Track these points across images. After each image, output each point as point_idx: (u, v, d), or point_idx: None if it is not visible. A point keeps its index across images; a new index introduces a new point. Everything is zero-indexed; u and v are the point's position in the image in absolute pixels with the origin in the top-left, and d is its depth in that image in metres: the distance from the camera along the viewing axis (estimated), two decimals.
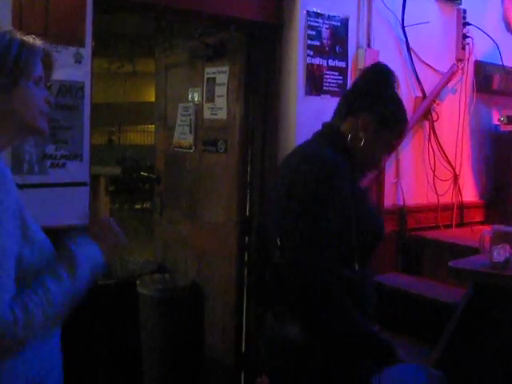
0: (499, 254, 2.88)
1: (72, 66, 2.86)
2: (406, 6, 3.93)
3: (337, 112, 2.01)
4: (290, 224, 1.77)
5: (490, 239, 2.94)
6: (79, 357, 2.93)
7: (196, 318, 3.81)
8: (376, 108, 1.91)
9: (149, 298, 3.65)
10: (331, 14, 3.64)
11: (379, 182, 3.83)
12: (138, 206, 11.11)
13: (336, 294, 1.73)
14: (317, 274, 1.70)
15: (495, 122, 4.63)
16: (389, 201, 3.95)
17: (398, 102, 1.99)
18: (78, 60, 2.89)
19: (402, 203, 4.00)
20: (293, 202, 1.78)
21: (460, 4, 4.31)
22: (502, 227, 2.91)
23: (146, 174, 10.23)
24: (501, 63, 4.44)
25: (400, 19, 3.95)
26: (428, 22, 4.02)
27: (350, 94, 2.03)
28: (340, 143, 1.91)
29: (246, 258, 3.70)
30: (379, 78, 1.97)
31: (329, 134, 1.96)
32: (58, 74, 2.83)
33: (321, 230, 1.73)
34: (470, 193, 4.53)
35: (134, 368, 3.69)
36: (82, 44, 2.88)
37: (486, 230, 3.11)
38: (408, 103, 4.05)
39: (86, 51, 2.91)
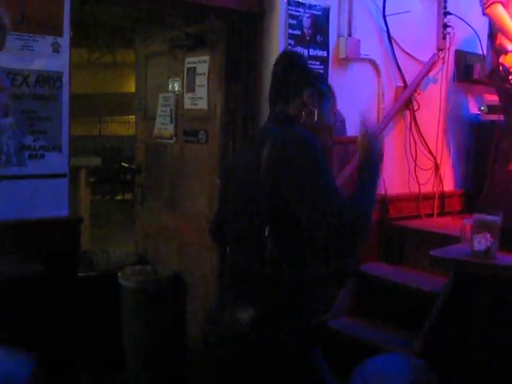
0: (480, 242, 2.89)
1: (50, 56, 2.83)
2: None
3: (275, 103, 2.06)
4: (299, 196, 1.75)
5: (471, 228, 2.95)
6: (60, 348, 2.91)
7: (177, 309, 3.79)
8: (312, 81, 2.04)
9: (130, 289, 3.63)
10: (312, 3, 3.62)
11: None
12: (119, 197, 11.05)
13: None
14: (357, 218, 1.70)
15: (476, 111, 4.64)
16: None
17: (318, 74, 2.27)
18: (56, 49, 2.85)
19: (383, 193, 4.00)
20: (291, 178, 1.77)
21: None
22: (483, 216, 2.92)
23: (126, 165, 10.18)
24: (481, 53, 4.45)
25: (381, 8, 3.94)
26: (409, 12, 4.02)
27: (280, 82, 2.07)
28: (298, 124, 1.98)
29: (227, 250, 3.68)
30: (300, 59, 2.13)
31: (285, 120, 2.00)
32: (36, 64, 2.80)
33: (329, 183, 1.76)
34: (451, 182, 4.54)
35: (116, 360, 3.68)
36: (59, 33, 2.84)
37: (467, 219, 3.12)
38: (389, 92, 4.06)
39: (64, 40, 2.87)
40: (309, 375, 1.89)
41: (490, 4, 3.71)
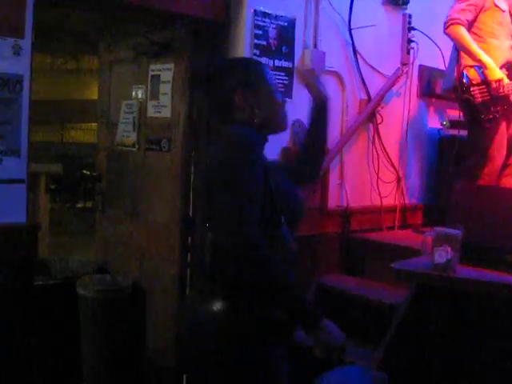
0: (441, 255, 2.91)
1: (10, 58, 2.76)
2: (353, 8, 3.95)
3: (218, 113, 2.04)
4: (215, 202, 1.79)
5: (432, 241, 2.96)
6: (16, 359, 2.83)
7: (137, 319, 3.73)
8: (237, 80, 1.98)
9: (88, 298, 3.56)
10: (278, 13, 3.63)
11: (324, 183, 3.83)
12: (80, 205, 10.89)
13: (267, 254, 1.74)
14: (247, 235, 1.71)
15: (438, 125, 4.70)
16: (333, 202, 3.95)
17: (244, 60, 2.28)
18: (17, 52, 2.79)
19: (345, 205, 4.02)
20: (214, 183, 1.81)
21: (406, 9, 4.37)
22: (444, 229, 2.94)
23: (88, 173, 10.04)
24: (444, 68, 4.51)
25: (347, 21, 3.97)
26: (374, 26, 4.05)
27: (215, 97, 2.05)
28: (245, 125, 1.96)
29: (188, 259, 3.65)
30: (221, 64, 2.18)
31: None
32: None
33: (243, 195, 1.75)
34: (412, 195, 4.58)
35: (74, 370, 3.60)
36: (21, 35, 2.78)
37: (428, 231, 3.14)
38: (353, 105, 4.08)
39: (26, 43, 2.81)
40: (264, 372, 1.86)
41: (450, 25, 3.77)
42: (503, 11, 3.90)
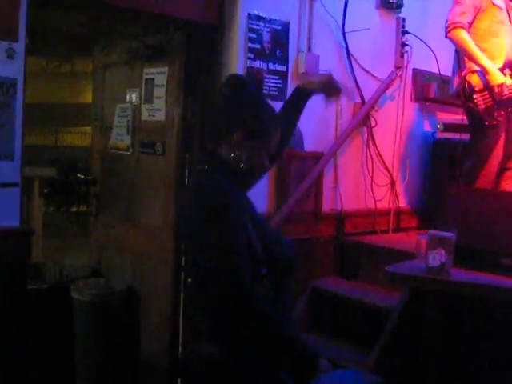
0: (435, 258, 2.91)
1: (3, 61, 2.76)
2: (347, 12, 3.95)
3: (209, 136, 2.00)
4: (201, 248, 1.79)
5: (426, 244, 2.96)
6: (10, 362, 2.82)
7: (131, 323, 3.72)
8: (244, 122, 1.90)
9: (83, 303, 3.55)
10: (272, 17, 3.63)
11: (318, 186, 3.84)
12: (74, 209, 10.85)
13: (259, 300, 1.72)
14: (236, 281, 1.69)
15: (432, 129, 4.71)
16: (327, 206, 3.96)
17: (262, 108, 1.97)
18: (11, 55, 2.78)
19: (340, 208, 4.02)
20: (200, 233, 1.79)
21: (400, 12, 4.38)
22: (438, 232, 2.94)
23: (82, 176, 10.01)
24: (438, 72, 4.53)
25: (341, 25, 3.98)
26: (368, 29, 4.06)
27: (216, 116, 2.01)
28: (225, 168, 1.90)
29: (182, 263, 3.64)
30: (236, 92, 1.96)
31: (213, 163, 1.93)
32: None
33: (229, 245, 1.73)
34: (406, 198, 4.59)
35: (68, 374, 3.59)
36: (14, 39, 2.78)
37: (422, 235, 3.14)
38: (347, 109, 4.09)
39: (20, 46, 2.81)
40: None
41: (452, 29, 3.75)
42: (501, 9, 3.89)
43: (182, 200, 2.08)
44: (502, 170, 3.92)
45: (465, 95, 3.79)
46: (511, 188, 3.91)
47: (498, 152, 3.85)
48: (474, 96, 3.75)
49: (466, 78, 3.77)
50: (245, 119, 1.90)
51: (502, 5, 3.90)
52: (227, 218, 1.76)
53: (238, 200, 1.84)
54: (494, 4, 3.84)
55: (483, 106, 3.73)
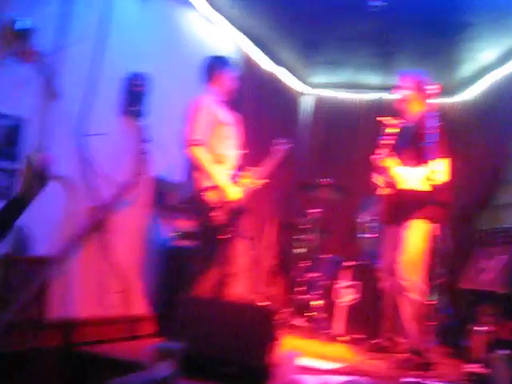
0: (161, 370, 2.85)
1: None
2: (88, 115, 3.93)
3: None
4: None
5: (155, 355, 2.91)
6: None
7: None
8: None
9: None
10: (6, 112, 3.45)
11: (42, 293, 3.55)
12: None
13: None
14: None
15: (169, 236, 4.76)
16: (54, 313, 3.70)
17: None
18: None
19: (68, 316, 3.79)
20: None
21: (141, 120, 4.46)
22: (165, 343, 2.92)
23: None
24: (175, 180, 4.64)
25: (80, 127, 3.92)
26: (107, 134, 4.05)
27: None
28: None
29: None
30: None
31: None
32: None
33: None
34: (141, 306, 4.51)
35: None
36: None
37: (151, 345, 3.07)
38: (83, 213, 3.95)
39: None
40: None
41: (189, 145, 3.97)
42: (228, 125, 4.19)
43: None
44: (224, 276, 4.11)
45: (200, 209, 3.95)
46: (232, 294, 4.08)
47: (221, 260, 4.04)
48: (211, 214, 3.92)
49: (203, 195, 3.94)
50: None
51: (228, 121, 4.20)
52: None
53: None
54: (221, 121, 4.13)
55: (218, 223, 3.93)
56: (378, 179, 4.40)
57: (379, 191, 4.43)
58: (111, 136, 4.16)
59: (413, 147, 4.13)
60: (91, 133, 3.96)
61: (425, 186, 3.84)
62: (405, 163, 4.20)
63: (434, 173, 3.56)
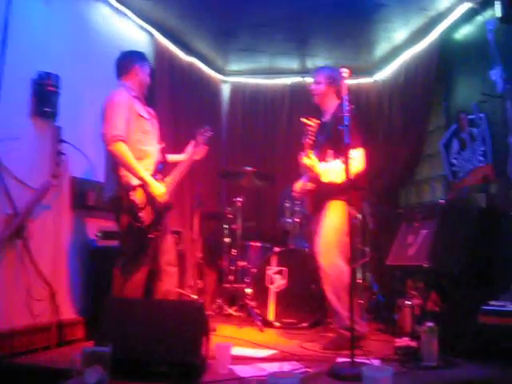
0: (91, 375, 2.80)
1: None
2: None
3: None
4: None
5: (82, 361, 2.85)
6: None
7: None
8: None
9: None
10: None
11: None
12: None
13: None
14: None
15: (92, 237, 4.66)
16: None
17: None
18: None
19: None
20: None
21: (55, 121, 4.33)
22: (93, 348, 2.87)
23: None
24: (96, 180, 4.55)
25: None
26: (18, 138, 3.92)
27: None
28: None
29: None
30: None
31: None
32: None
33: None
34: (70, 310, 4.41)
35: None
36: None
37: (79, 351, 3.00)
38: None
39: None
40: None
41: (112, 142, 3.85)
42: (147, 119, 4.13)
43: None
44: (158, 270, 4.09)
45: (128, 210, 3.87)
46: (161, 291, 4.07)
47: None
48: (140, 214, 3.86)
49: (130, 195, 3.85)
50: None
51: (147, 115, 4.14)
52: None
53: None
54: (140, 115, 4.06)
55: (147, 223, 3.88)
56: (296, 185, 4.59)
57: (301, 189, 4.54)
58: (24, 139, 4.02)
59: (332, 140, 4.22)
60: (2, 138, 3.82)
61: (343, 178, 3.91)
62: (325, 158, 4.28)
63: (350, 163, 3.63)
